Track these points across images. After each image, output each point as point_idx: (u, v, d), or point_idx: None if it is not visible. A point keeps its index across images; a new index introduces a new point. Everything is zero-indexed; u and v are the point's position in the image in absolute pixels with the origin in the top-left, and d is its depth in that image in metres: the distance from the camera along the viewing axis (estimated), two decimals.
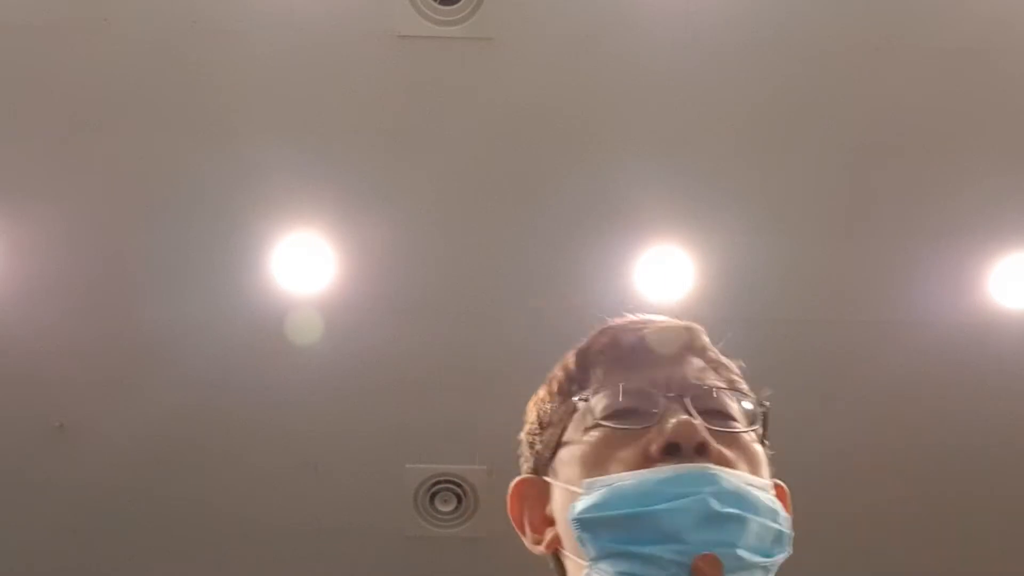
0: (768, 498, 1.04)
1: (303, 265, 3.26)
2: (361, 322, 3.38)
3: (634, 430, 1.05)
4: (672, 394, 1.06)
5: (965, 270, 3.33)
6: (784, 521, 1.05)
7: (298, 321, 3.35)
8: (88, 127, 3.11)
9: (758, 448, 1.09)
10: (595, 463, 1.05)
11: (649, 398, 1.06)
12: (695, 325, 1.16)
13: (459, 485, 3.69)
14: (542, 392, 1.16)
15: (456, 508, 3.72)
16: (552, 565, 1.11)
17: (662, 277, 3.30)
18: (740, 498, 1.00)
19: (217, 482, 3.69)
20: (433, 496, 3.71)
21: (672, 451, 1.02)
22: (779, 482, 1.13)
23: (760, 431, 1.11)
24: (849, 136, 3.18)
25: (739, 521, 0.99)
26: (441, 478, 3.68)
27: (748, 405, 1.11)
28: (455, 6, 2.98)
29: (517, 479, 1.14)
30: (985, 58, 3.07)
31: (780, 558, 1.04)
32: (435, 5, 2.97)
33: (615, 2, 2.97)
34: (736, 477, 1.02)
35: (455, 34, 2.99)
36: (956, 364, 3.47)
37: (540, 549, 1.10)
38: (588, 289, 3.31)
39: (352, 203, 3.22)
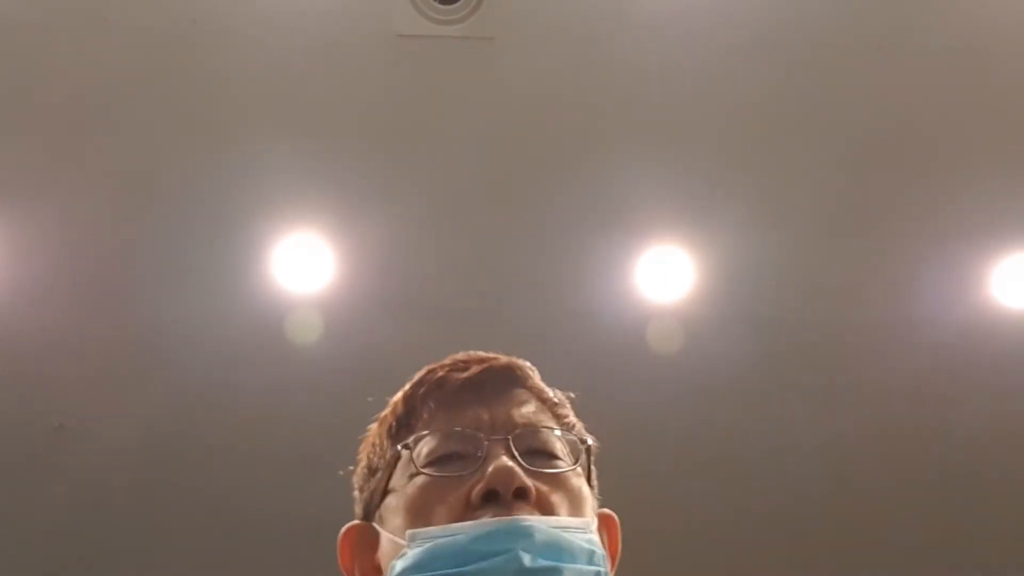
0: (585, 539, 1.04)
1: (303, 265, 3.26)
2: (361, 322, 3.38)
3: (456, 476, 1.05)
4: (496, 436, 1.07)
5: (966, 270, 3.33)
6: (601, 560, 1.04)
7: (298, 321, 3.35)
8: (88, 127, 3.11)
9: (581, 485, 1.10)
10: (419, 512, 1.05)
11: (472, 441, 1.07)
12: (521, 362, 1.17)
13: None
14: (371, 434, 1.17)
15: None
16: None
17: (662, 277, 3.30)
18: (554, 548, 1.00)
19: (217, 482, 3.68)
20: None
21: (492, 497, 1.02)
22: (608, 512, 1.14)
23: (584, 467, 1.12)
24: (849, 136, 3.18)
25: (553, 572, 0.99)
26: None
27: (573, 440, 1.12)
28: (455, 5, 2.97)
29: (346, 526, 1.16)
30: (985, 58, 3.07)
31: None
32: (435, 4, 2.97)
33: (615, 1, 2.97)
34: (551, 525, 1.02)
35: (455, 33, 2.99)
36: (957, 364, 3.47)
37: None
38: (589, 289, 3.31)
39: (352, 203, 3.22)
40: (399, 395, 1.16)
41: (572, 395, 1.18)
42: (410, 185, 3.22)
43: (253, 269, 3.27)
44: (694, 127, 3.14)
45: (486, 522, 1.01)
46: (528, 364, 1.17)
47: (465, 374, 1.13)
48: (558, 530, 1.02)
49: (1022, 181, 3.23)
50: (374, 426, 1.17)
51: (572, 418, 1.15)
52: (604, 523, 1.11)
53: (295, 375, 3.47)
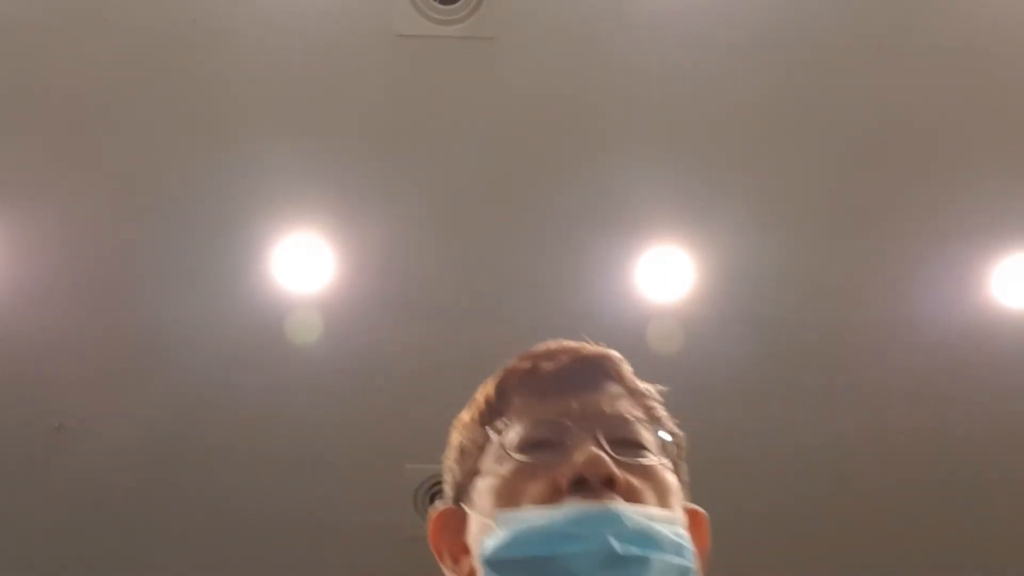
0: (673, 531, 1.04)
1: (303, 265, 3.26)
2: (361, 322, 3.37)
3: (545, 463, 1.06)
4: (585, 425, 1.07)
5: (966, 270, 3.32)
6: (689, 555, 1.04)
7: (298, 321, 3.35)
8: (88, 127, 3.11)
9: (670, 478, 1.10)
10: (507, 496, 1.06)
11: (562, 429, 1.07)
12: (613, 353, 1.18)
13: None
14: (464, 417, 1.18)
15: None
16: None
17: (662, 277, 3.30)
18: (643, 537, 1.00)
19: (217, 482, 3.68)
20: (433, 496, 3.70)
21: (580, 484, 1.02)
22: (697, 508, 1.14)
23: (672, 461, 1.12)
24: (849, 136, 3.18)
25: (641, 562, 0.99)
26: (441, 478, 3.67)
27: (662, 434, 1.12)
28: (455, 5, 2.97)
29: (436, 509, 1.18)
30: (985, 58, 3.07)
31: None
32: (435, 4, 2.97)
33: (615, 1, 2.97)
34: (640, 514, 1.02)
35: (455, 33, 2.99)
36: (956, 364, 3.47)
37: None
38: (589, 289, 3.31)
39: (352, 203, 3.22)
40: (490, 382, 1.17)
41: (661, 388, 1.18)
42: (410, 185, 3.22)
43: (253, 269, 3.27)
44: (694, 127, 3.14)
45: (576, 506, 1.01)
46: (618, 355, 1.17)
47: (556, 364, 1.15)
48: (646, 519, 1.02)
49: (1022, 181, 3.23)
50: (464, 412, 1.19)
51: (660, 411, 1.16)
52: (693, 519, 1.11)
53: (295, 375, 3.47)
